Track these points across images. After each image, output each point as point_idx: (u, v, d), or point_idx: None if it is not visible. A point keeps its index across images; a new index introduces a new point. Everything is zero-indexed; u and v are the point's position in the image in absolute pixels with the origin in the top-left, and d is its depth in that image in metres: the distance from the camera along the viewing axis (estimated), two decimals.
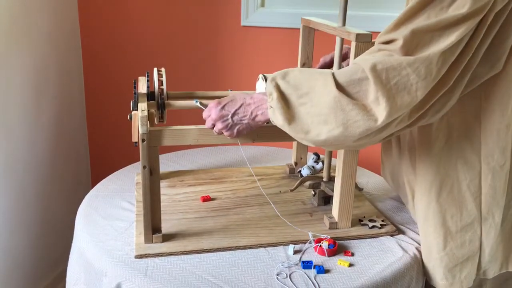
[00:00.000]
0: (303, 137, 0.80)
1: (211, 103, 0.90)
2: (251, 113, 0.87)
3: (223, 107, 0.88)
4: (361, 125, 0.75)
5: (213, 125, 0.90)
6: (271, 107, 0.81)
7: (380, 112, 0.74)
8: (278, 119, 0.80)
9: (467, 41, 0.76)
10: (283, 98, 0.80)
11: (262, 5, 1.78)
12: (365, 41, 0.88)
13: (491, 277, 0.95)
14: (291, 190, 1.12)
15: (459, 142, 0.88)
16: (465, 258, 0.92)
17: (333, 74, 0.78)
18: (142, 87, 1.02)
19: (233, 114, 0.88)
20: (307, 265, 0.88)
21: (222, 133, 0.89)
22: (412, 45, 0.74)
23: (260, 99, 0.87)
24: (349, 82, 0.76)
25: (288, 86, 0.80)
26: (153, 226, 0.92)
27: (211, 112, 0.89)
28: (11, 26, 1.43)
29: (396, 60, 0.74)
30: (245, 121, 0.88)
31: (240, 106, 0.88)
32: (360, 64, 0.76)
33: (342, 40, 1.02)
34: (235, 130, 0.89)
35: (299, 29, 1.15)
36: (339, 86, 0.76)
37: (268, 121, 0.86)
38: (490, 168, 0.87)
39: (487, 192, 0.89)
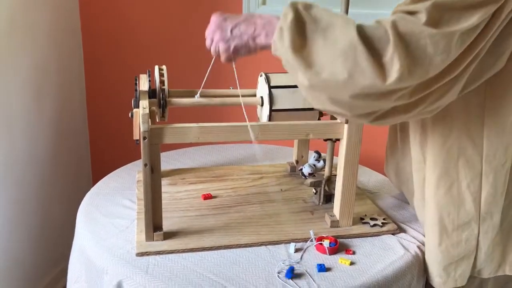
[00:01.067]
0: (303, 71, 0.72)
1: (214, 15, 0.85)
2: (254, 30, 0.80)
3: (225, 19, 0.83)
4: (368, 79, 0.70)
5: (211, 41, 0.84)
6: (281, 28, 0.73)
7: (392, 73, 0.70)
8: (284, 42, 0.73)
9: (482, 28, 0.73)
10: (298, 24, 0.73)
11: (264, 3, 1.77)
12: None
13: (486, 277, 0.94)
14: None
15: (460, 142, 0.87)
16: (461, 257, 0.92)
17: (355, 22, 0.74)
18: (143, 85, 1.02)
19: (234, 26, 0.81)
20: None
21: (219, 53, 0.84)
22: (434, 19, 0.71)
23: (269, 20, 0.79)
24: (370, 34, 0.72)
25: (307, 15, 0.74)
26: (154, 224, 0.92)
27: (211, 23, 0.84)
28: (11, 25, 1.42)
29: (418, 28, 0.70)
30: (245, 38, 0.81)
31: (244, 21, 0.81)
32: (383, 23, 0.73)
33: None
34: (232, 45, 0.82)
35: None
36: (360, 33, 0.71)
37: (267, 47, 0.79)
38: (492, 167, 0.87)
39: (488, 192, 0.88)
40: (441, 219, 0.91)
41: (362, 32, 0.71)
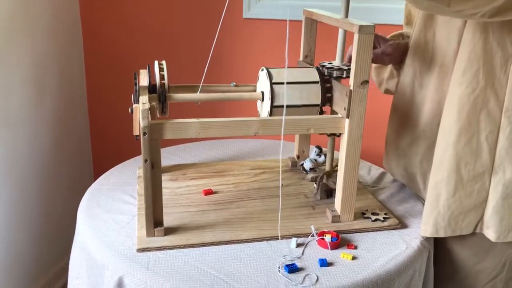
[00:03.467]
0: None
1: None
2: None
3: None
4: None
5: None
6: None
7: None
8: None
9: None
10: None
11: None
12: (368, 33, 0.87)
13: (494, 240, 0.94)
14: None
15: (485, 93, 0.88)
16: (470, 208, 0.93)
17: None
18: (143, 80, 1.02)
19: None
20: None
21: None
22: None
23: None
24: None
25: None
26: (155, 219, 0.92)
27: None
28: (11, 22, 1.42)
29: None
30: None
31: None
32: None
33: (345, 32, 1.01)
34: None
35: (301, 21, 1.14)
36: None
37: None
38: (510, 121, 0.88)
39: (502, 145, 0.89)
40: (459, 169, 0.92)
41: None
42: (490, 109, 0.88)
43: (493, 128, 0.89)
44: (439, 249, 1.02)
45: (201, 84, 1.03)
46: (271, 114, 0.98)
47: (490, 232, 0.94)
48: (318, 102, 0.99)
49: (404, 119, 1.09)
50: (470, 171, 0.91)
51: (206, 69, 1.01)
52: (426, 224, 0.97)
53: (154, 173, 0.89)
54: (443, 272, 1.04)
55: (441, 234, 0.96)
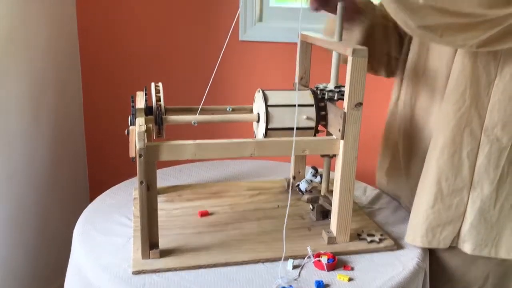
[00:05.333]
0: None
1: None
2: None
3: None
4: None
5: None
6: None
7: None
8: None
9: None
10: None
11: (260, 20, 1.79)
12: (362, 56, 0.88)
13: (470, 252, 0.97)
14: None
15: (470, 112, 0.92)
16: (448, 221, 0.97)
17: None
18: (140, 102, 1.03)
19: None
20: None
21: None
22: None
23: None
24: None
25: None
26: (150, 241, 0.92)
27: None
28: (10, 41, 1.43)
29: None
30: None
31: None
32: None
33: (339, 54, 1.02)
34: None
35: (296, 43, 1.16)
36: None
37: None
38: (489, 140, 0.92)
39: (481, 163, 0.93)
40: (439, 182, 0.95)
41: None
42: (473, 128, 0.93)
43: (474, 146, 0.93)
44: (433, 257, 1.04)
45: (200, 106, 1.04)
46: (266, 135, 0.99)
47: (466, 245, 0.97)
48: (313, 124, 1.00)
49: (399, 137, 1.11)
50: (450, 185, 0.95)
51: (206, 92, 1.02)
52: (408, 230, 1.02)
53: (149, 195, 0.89)
54: (438, 282, 1.06)
55: (418, 243, 0.99)
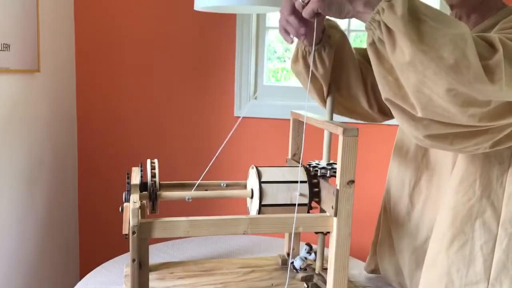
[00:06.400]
0: (409, 43, 0.68)
1: None
2: None
3: None
4: (472, 73, 0.68)
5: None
6: (392, 2, 0.71)
7: (496, 77, 0.69)
8: (396, 12, 0.70)
9: None
10: (411, 3, 0.71)
11: (255, 97, 1.86)
12: (352, 135, 0.91)
13: None
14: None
15: (481, 203, 0.89)
16: None
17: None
18: (135, 178, 1.04)
19: None
20: None
21: (305, 3, 0.78)
22: None
23: None
24: (479, 37, 0.73)
25: (419, 3, 0.72)
26: None
27: None
28: (11, 116, 1.47)
29: None
30: None
31: None
32: (488, 36, 0.74)
33: (330, 133, 1.05)
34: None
35: (289, 119, 1.19)
36: (468, 34, 0.71)
37: (360, 14, 0.76)
38: (507, 233, 0.88)
39: (499, 258, 0.88)
40: (450, 273, 0.90)
41: (471, 36, 0.71)
42: (486, 220, 0.89)
43: (488, 238, 0.89)
44: None
45: (198, 181, 1.06)
46: (259, 212, 0.99)
47: None
48: (307, 200, 1.00)
49: (394, 217, 1.10)
50: (463, 277, 0.90)
51: (207, 168, 1.03)
52: None
53: (141, 273, 0.87)
54: None
55: None
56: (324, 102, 1.07)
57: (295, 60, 1.04)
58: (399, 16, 0.69)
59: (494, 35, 0.75)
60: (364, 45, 0.98)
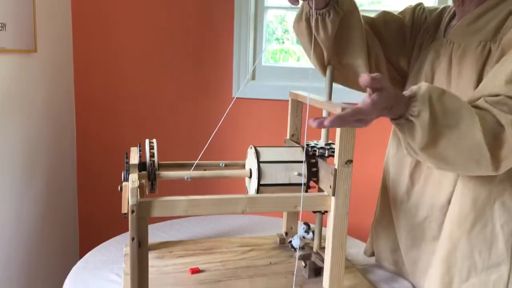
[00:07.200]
0: (426, 162, 0.84)
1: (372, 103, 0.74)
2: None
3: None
4: (483, 170, 0.81)
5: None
6: (414, 125, 0.76)
7: (503, 167, 0.80)
8: (415, 140, 0.77)
9: None
10: (431, 122, 0.76)
11: (253, 78, 1.85)
12: None
13: None
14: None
15: (501, 184, 0.90)
16: None
17: (477, 115, 0.78)
18: (134, 158, 1.04)
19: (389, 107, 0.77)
20: None
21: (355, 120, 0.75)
22: None
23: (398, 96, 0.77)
24: (492, 132, 0.78)
25: (440, 108, 0.76)
26: None
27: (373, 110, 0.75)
28: (8, 97, 1.46)
29: None
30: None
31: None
32: (498, 116, 0.79)
33: (329, 113, 1.05)
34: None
35: (287, 100, 1.19)
36: (483, 132, 0.77)
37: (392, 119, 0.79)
38: None
39: None
40: (472, 256, 0.91)
41: (485, 131, 0.77)
42: (505, 200, 0.90)
43: (509, 218, 0.90)
44: None
45: (196, 161, 1.06)
46: (258, 191, 1.00)
47: None
48: (304, 180, 1.01)
49: (394, 195, 1.11)
50: (485, 260, 0.91)
51: (204, 148, 1.04)
52: None
53: (141, 252, 0.88)
54: None
55: None
56: (324, 69, 1.06)
57: (298, 20, 1.02)
58: (418, 145, 0.78)
59: (507, 116, 0.79)
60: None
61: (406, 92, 0.79)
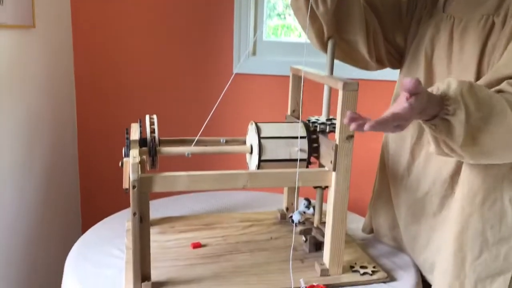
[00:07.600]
0: (469, 160, 0.84)
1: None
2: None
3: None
4: None
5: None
6: (452, 125, 0.76)
7: None
8: (455, 140, 0.77)
9: None
10: (468, 120, 0.76)
11: (254, 53, 1.83)
12: (352, 90, 0.90)
13: None
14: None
15: (509, 166, 0.90)
16: (497, 272, 0.92)
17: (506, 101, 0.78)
18: (135, 134, 1.04)
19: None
20: None
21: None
22: None
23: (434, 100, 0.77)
24: None
25: (473, 103, 0.76)
26: (142, 274, 0.91)
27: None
28: (7, 74, 1.45)
29: None
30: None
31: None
32: None
33: (330, 88, 1.05)
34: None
35: (288, 76, 1.18)
36: None
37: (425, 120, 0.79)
38: None
39: None
40: (484, 231, 0.92)
41: None
42: None
43: None
44: None
45: (197, 137, 1.06)
46: (259, 167, 1.00)
47: None
48: (305, 156, 1.01)
49: (393, 171, 1.11)
50: (496, 234, 0.92)
51: (204, 125, 1.03)
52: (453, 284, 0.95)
53: (142, 227, 0.89)
54: None
55: None
56: (322, 45, 1.05)
57: None
58: (458, 144, 0.78)
59: None
60: None
61: (434, 90, 0.78)
